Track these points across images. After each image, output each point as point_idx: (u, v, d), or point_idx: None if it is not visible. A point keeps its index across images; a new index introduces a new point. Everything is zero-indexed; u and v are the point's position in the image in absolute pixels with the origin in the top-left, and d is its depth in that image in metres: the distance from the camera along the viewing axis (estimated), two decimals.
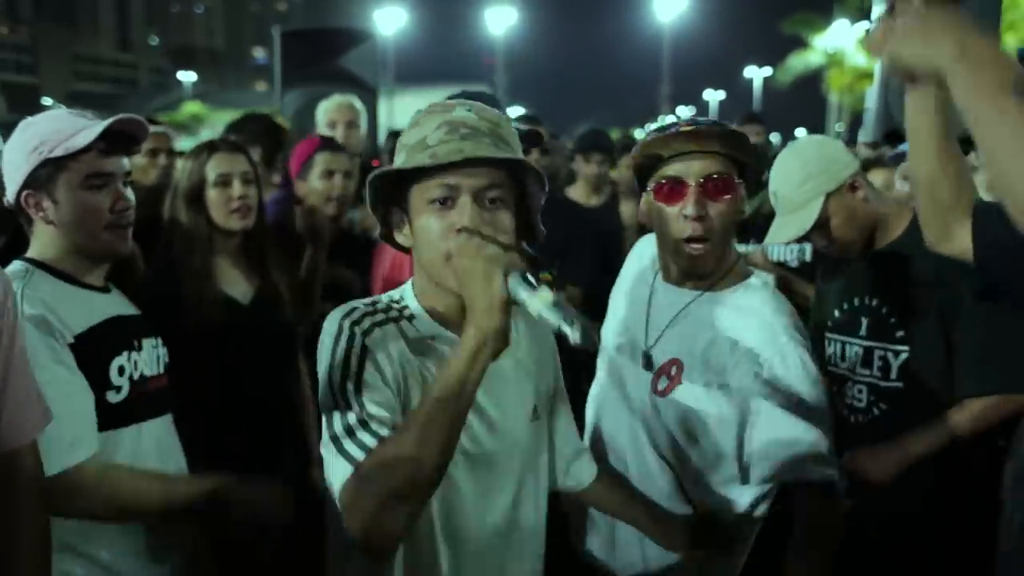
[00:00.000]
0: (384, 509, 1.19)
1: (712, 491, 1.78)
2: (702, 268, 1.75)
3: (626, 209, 4.26)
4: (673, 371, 1.79)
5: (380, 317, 1.39)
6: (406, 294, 1.46)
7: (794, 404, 1.67)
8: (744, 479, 1.75)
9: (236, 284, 2.39)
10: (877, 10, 5.30)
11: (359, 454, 1.23)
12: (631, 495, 1.82)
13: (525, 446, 1.50)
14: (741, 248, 3.26)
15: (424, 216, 1.35)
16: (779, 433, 1.67)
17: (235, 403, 2.21)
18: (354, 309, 1.38)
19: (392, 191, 1.41)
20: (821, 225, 2.22)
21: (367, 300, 1.44)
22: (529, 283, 1.22)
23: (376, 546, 1.22)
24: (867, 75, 18.71)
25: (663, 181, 1.72)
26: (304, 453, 2.44)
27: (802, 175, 2.23)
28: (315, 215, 2.86)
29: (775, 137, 14.49)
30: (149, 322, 1.92)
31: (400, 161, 1.37)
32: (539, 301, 1.20)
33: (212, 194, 2.36)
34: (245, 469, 1.80)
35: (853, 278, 2.28)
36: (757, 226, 3.19)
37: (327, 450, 1.27)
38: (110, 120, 1.72)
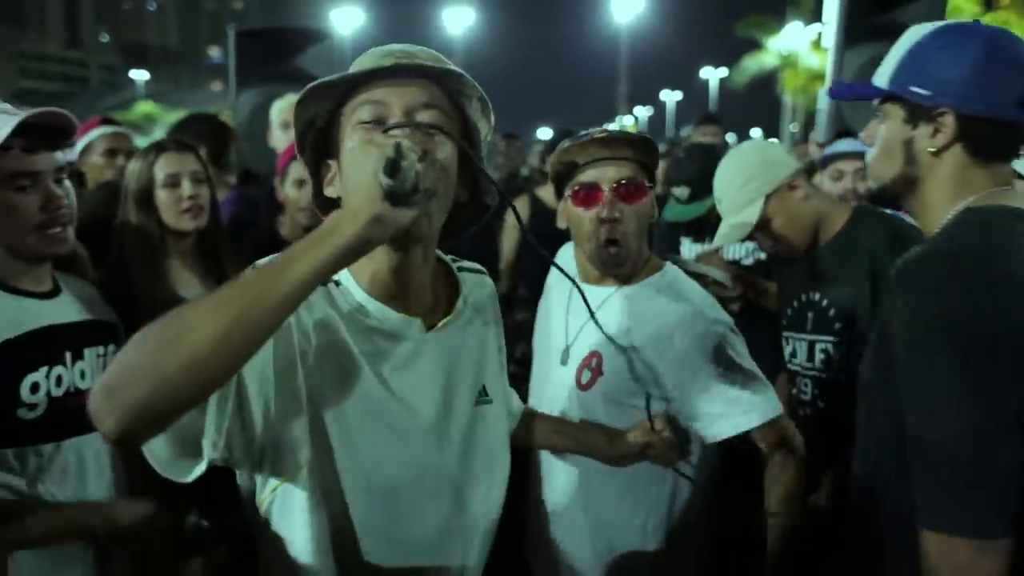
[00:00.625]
0: (135, 380, 0.93)
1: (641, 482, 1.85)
2: (618, 268, 1.87)
3: None
4: (594, 364, 1.86)
5: None
6: None
7: (728, 370, 1.80)
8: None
9: (191, 286, 2.36)
10: (829, 12, 5.41)
11: None
12: (560, 421, 1.86)
13: (466, 435, 1.33)
14: (696, 248, 3.30)
15: (350, 140, 1.19)
16: (724, 394, 1.79)
17: None
18: None
19: (325, 141, 1.26)
20: (764, 226, 2.31)
21: None
22: (388, 171, 1.02)
23: (124, 424, 0.94)
24: (819, 76, 19.07)
25: (579, 187, 1.84)
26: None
27: (743, 178, 2.33)
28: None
29: (731, 137, 14.68)
30: (100, 329, 1.87)
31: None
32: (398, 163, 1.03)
33: (162, 195, 2.32)
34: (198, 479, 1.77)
35: (799, 276, 2.35)
36: (711, 226, 3.24)
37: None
38: (23, 116, 1.62)
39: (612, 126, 1.92)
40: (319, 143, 1.27)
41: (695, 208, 3.20)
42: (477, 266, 1.48)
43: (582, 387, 1.88)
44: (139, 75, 48.52)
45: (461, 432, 1.31)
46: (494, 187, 1.33)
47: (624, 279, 1.90)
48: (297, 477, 1.19)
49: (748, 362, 1.83)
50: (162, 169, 2.34)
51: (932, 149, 1.44)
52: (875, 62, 1.53)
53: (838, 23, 5.13)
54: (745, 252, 3.24)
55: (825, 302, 2.26)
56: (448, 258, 1.42)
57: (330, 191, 1.27)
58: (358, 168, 1.04)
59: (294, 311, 1.03)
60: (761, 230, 2.33)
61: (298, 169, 2.90)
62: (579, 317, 1.91)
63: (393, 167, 1.01)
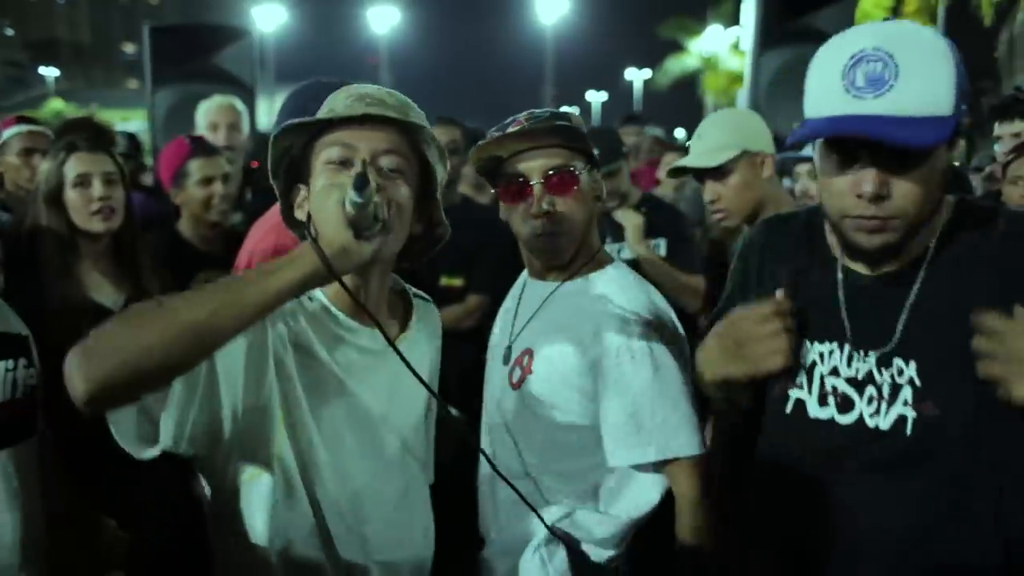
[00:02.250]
0: (110, 352, 1.06)
1: (571, 486, 1.74)
2: (558, 262, 1.77)
3: None
4: (525, 361, 1.78)
5: None
6: None
7: (642, 389, 1.65)
8: (601, 469, 1.72)
9: (105, 290, 2.28)
10: (746, 16, 5.56)
11: None
12: None
13: (419, 443, 1.52)
14: (614, 249, 3.35)
15: (318, 178, 1.31)
16: (628, 416, 1.66)
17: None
18: None
19: (295, 166, 1.37)
20: (721, 176, 2.39)
21: None
22: (357, 189, 1.15)
23: (93, 389, 1.05)
24: (739, 78, 19.61)
25: (508, 181, 1.73)
26: (184, 464, 2.35)
27: (732, 125, 2.42)
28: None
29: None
30: (5, 343, 1.78)
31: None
32: (355, 194, 1.15)
33: (71, 195, 2.24)
34: (121, 485, 1.72)
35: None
36: (619, 226, 3.29)
37: None
38: None
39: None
40: (291, 169, 1.38)
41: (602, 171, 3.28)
42: (425, 296, 1.61)
43: (513, 386, 1.80)
44: (49, 72, 46.61)
45: (414, 439, 1.49)
46: (446, 222, 1.47)
47: (568, 273, 1.79)
48: (261, 477, 1.32)
49: (673, 385, 1.67)
50: (73, 169, 2.27)
51: (957, 163, 1.39)
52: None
53: (755, 27, 5.28)
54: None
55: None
56: (403, 284, 1.56)
57: (299, 213, 1.38)
58: (325, 201, 1.19)
59: (262, 319, 1.17)
60: (717, 179, 2.39)
61: (200, 167, 2.81)
62: (524, 314, 1.85)
63: (361, 183, 1.14)
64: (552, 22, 36.15)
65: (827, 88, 1.27)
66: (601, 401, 1.69)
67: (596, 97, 53.97)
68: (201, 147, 2.90)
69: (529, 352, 1.78)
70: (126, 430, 1.19)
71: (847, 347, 1.39)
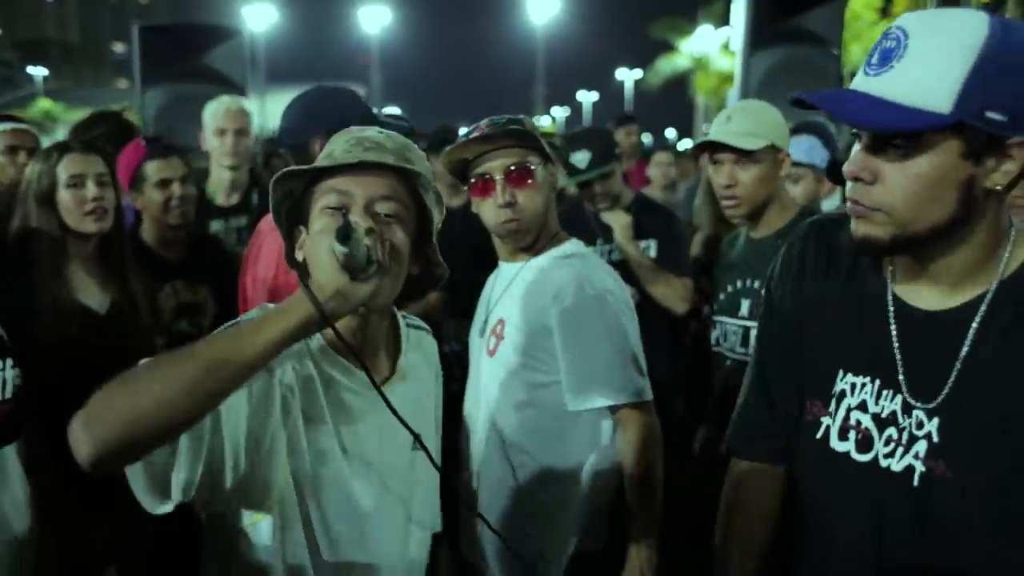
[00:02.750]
0: (109, 416, 1.06)
1: (539, 451, 2.02)
2: (523, 244, 2.05)
3: None
4: (499, 330, 2.06)
5: None
6: None
7: (586, 332, 1.95)
8: (568, 431, 2.01)
9: (91, 292, 2.27)
10: (736, 16, 5.57)
11: None
12: None
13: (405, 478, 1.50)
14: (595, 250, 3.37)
15: (316, 223, 1.32)
16: (584, 364, 1.95)
17: None
18: None
19: (297, 210, 1.39)
20: (743, 162, 2.39)
21: None
22: (341, 239, 1.15)
23: (96, 453, 1.07)
24: (730, 78, 19.64)
25: (475, 179, 2.00)
26: None
27: (763, 117, 2.45)
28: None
29: (646, 137, 14.97)
30: None
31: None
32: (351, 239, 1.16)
33: (64, 196, 2.23)
34: (102, 492, 1.71)
35: (737, 263, 2.44)
36: (609, 227, 3.31)
37: None
38: None
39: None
40: (293, 211, 1.40)
41: (594, 172, 3.29)
42: (422, 324, 1.64)
43: (489, 353, 2.07)
44: (37, 71, 46.35)
45: (403, 476, 1.48)
46: (443, 264, 1.51)
47: (532, 253, 2.06)
48: (261, 522, 1.34)
49: (620, 337, 1.98)
50: (66, 170, 2.26)
51: (999, 186, 1.16)
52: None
53: (745, 27, 5.29)
54: (603, 256, 3.30)
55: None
56: (399, 315, 1.57)
57: (299, 255, 1.40)
58: (318, 247, 1.20)
59: (259, 371, 1.16)
60: (740, 165, 2.39)
61: (158, 169, 2.77)
62: (497, 292, 2.13)
63: (344, 235, 1.15)
64: (543, 22, 36.18)
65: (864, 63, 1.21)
66: (559, 353, 1.97)
67: (587, 97, 54.05)
68: (157, 149, 2.85)
69: (502, 322, 2.06)
70: (138, 483, 1.19)
71: (878, 382, 1.29)
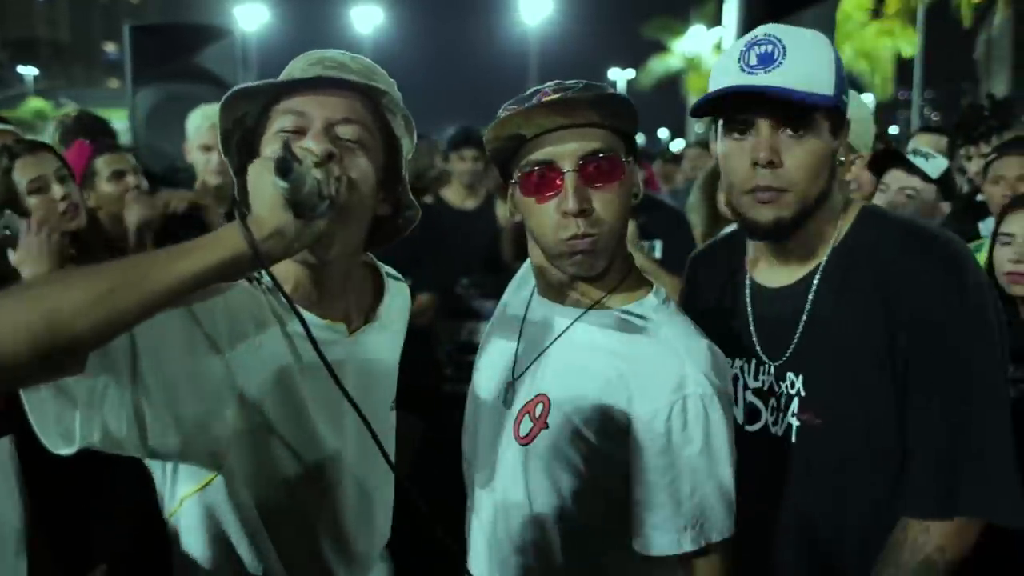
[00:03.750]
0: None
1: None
2: (590, 273, 1.38)
3: (501, 211, 4.24)
4: (538, 411, 1.40)
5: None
6: None
7: (686, 467, 1.32)
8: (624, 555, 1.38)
9: None
10: (728, 17, 5.58)
11: None
12: None
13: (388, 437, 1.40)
14: None
15: (265, 149, 1.18)
16: (663, 498, 1.33)
17: None
18: None
19: (251, 142, 1.24)
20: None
21: None
22: (281, 170, 1.00)
23: None
24: None
25: (530, 169, 1.34)
26: (144, 473, 2.33)
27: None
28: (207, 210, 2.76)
29: (639, 138, 14.98)
30: None
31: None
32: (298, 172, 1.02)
33: (32, 202, 2.16)
34: (93, 488, 1.71)
35: None
36: None
37: None
38: None
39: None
40: (244, 144, 1.24)
41: None
42: (397, 275, 1.51)
43: (521, 440, 1.41)
44: (28, 71, 46.13)
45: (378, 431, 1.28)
46: (415, 204, 1.34)
47: (595, 297, 1.41)
48: (213, 479, 1.20)
49: (721, 461, 1.33)
50: (23, 175, 2.17)
51: (843, 158, 1.46)
52: None
53: (737, 28, 5.31)
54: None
55: None
56: (375, 263, 1.45)
57: None
58: (260, 177, 1.03)
59: (168, 306, 1.00)
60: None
61: (109, 162, 2.73)
62: (533, 345, 1.46)
63: (285, 167, 0.99)
64: (536, 23, 36.18)
65: (725, 70, 1.41)
66: (636, 472, 1.34)
67: None
68: (104, 144, 2.83)
69: (543, 400, 1.40)
70: (45, 424, 1.04)
71: (754, 360, 1.53)
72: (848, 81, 1.46)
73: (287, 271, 1.22)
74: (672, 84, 31.24)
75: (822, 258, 1.47)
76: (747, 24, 5.31)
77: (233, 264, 1.00)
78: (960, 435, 1.34)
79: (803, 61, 1.36)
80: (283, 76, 1.23)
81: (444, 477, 2.04)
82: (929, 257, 1.38)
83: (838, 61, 1.41)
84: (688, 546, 1.32)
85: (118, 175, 2.71)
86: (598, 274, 1.39)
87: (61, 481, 1.93)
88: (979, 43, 19.04)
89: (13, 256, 2.14)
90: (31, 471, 1.89)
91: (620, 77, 44.46)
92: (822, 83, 1.36)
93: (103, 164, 2.72)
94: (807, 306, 1.46)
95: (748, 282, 1.56)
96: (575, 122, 1.31)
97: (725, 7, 5.85)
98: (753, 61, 1.37)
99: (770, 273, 1.54)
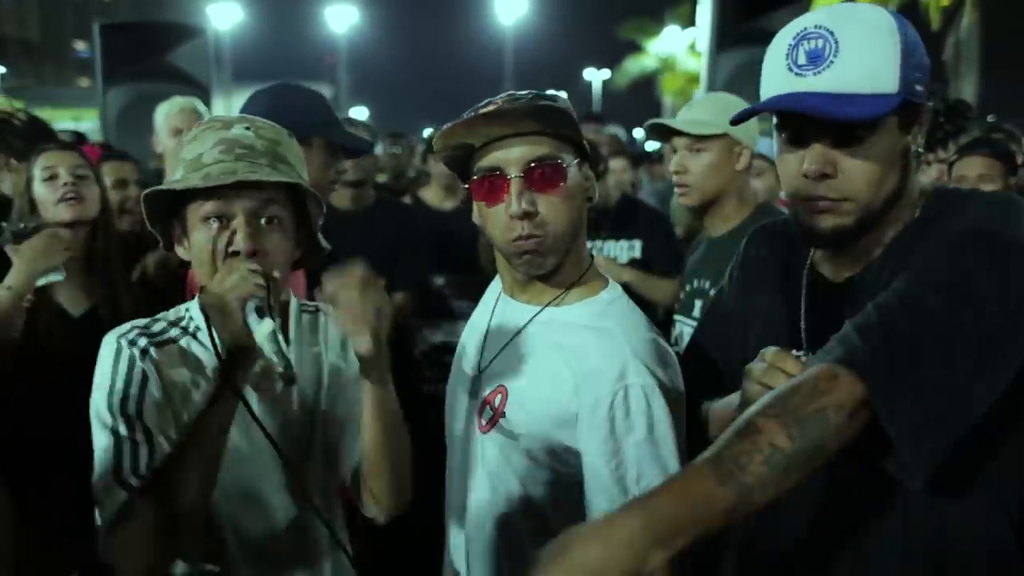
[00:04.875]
0: (150, 548, 1.23)
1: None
2: (539, 272, 1.46)
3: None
4: (497, 402, 1.48)
5: (161, 337, 1.40)
6: (192, 308, 1.46)
7: (631, 453, 1.37)
8: None
9: (69, 294, 2.23)
10: (702, 17, 5.62)
11: (135, 482, 1.26)
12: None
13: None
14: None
15: (198, 234, 1.35)
16: (610, 482, 1.37)
17: (45, 431, 2.04)
18: (132, 328, 1.39)
19: (170, 203, 1.40)
20: (697, 148, 2.36)
21: (145, 320, 1.44)
22: (259, 313, 1.26)
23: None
24: (697, 79, 19.88)
25: (480, 175, 1.43)
26: None
27: (724, 108, 2.29)
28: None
29: (621, 135, 15.00)
30: None
31: (178, 176, 1.37)
32: (260, 332, 1.25)
33: (39, 190, 2.25)
34: (65, 496, 1.69)
35: (695, 263, 2.45)
36: (592, 223, 3.31)
37: (102, 465, 1.29)
38: None
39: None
40: (165, 208, 1.41)
41: None
42: (312, 307, 1.62)
43: (482, 429, 1.50)
44: None
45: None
46: (325, 245, 1.54)
47: (551, 295, 1.49)
48: None
49: (665, 447, 1.37)
50: (40, 166, 2.28)
51: (920, 148, 1.28)
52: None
53: (711, 28, 5.35)
54: (620, 251, 3.33)
55: (713, 291, 2.33)
56: (293, 300, 1.60)
57: (181, 252, 1.42)
58: (223, 317, 1.28)
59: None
60: (690, 152, 2.37)
61: (114, 170, 2.79)
62: (497, 339, 1.54)
63: (260, 314, 1.27)
64: (511, 22, 36.19)
65: (774, 69, 1.25)
66: (584, 458, 1.40)
67: None
68: (112, 152, 2.88)
69: (502, 391, 1.49)
70: None
71: (802, 354, 1.32)
72: None
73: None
74: (647, 84, 31.39)
75: (876, 252, 1.30)
76: (720, 25, 5.34)
77: (232, 399, 1.30)
78: (911, 318, 1.14)
79: (859, 56, 1.18)
80: (192, 161, 1.36)
81: (423, 477, 2.04)
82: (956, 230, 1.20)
83: (908, 44, 1.19)
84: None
85: (121, 183, 2.75)
86: (551, 273, 1.47)
87: (37, 489, 1.91)
88: (948, 45, 19.33)
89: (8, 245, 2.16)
90: (7, 480, 1.87)
91: (596, 77, 44.60)
92: (883, 79, 1.18)
93: (108, 171, 2.76)
94: (847, 307, 1.26)
95: (806, 271, 1.38)
96: (519, 131, 1.39)
97: (699, 8, 5.90)
98: (802, 60, 1.21)
99: (833, 264, 1.35)
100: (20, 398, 2.10)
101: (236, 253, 1.32)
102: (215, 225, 1.34)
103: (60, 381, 2.07)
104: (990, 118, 4.41)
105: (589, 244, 3.35)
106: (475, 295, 1.73)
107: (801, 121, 1.22)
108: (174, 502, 1.23)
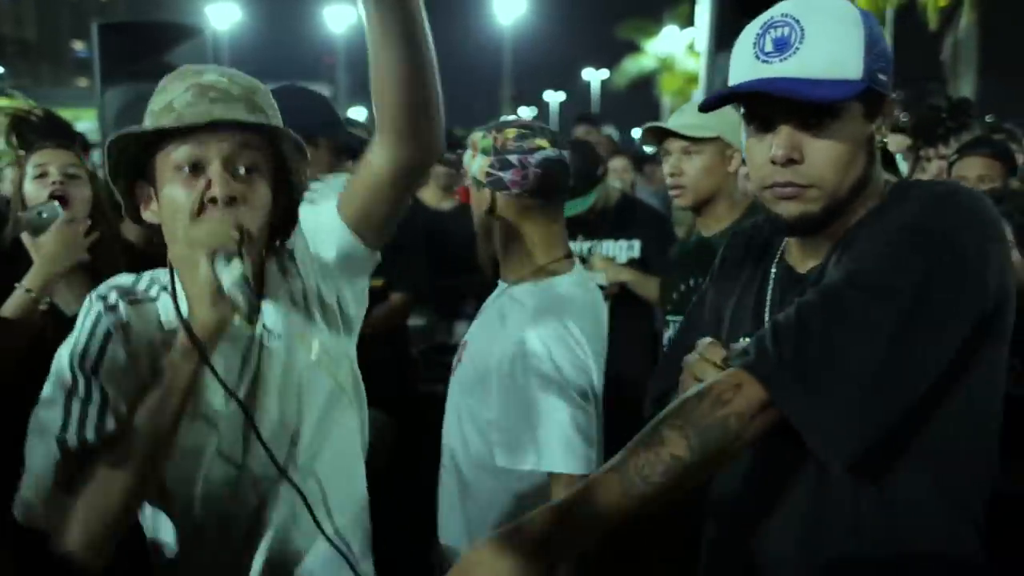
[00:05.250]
0: (90, 521, 1.18)
1: (483, 478, 1.81)
2: (509, 259, 1.87)
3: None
4: (462, 353, 1.91)
5: (140, 295, 1.32)
6: (164, 273, 1.36)
7: (522, 408, 1.72)
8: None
9: (66, 295, 2.22)
10: (700, 17, 5.62)
11: (74, 444, 1.19)
12: None
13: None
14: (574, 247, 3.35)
15: (169, 185, 1.25)
16: (509, 424, 1.74)
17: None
18: (111, 285, 1.31)
19: (136, 162, 1.29)
20: (691, 151, 2.40)
21: (130, 277, 1.36)
22: (228, 259, 1.19)
23: (89, 555, 1.20)
24: (695, 79, 19.88)
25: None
26: None
27: (722, 112, 2.25)
28: None
29: (614, 135, 15.02)
30: None
31: (145, 126, 1.28)
32: (228, 276, 1.17)
33: (29, 188, 2.24)
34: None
35: (689, 260, 2.47)
36: (588, 223, 3.30)
37: (45, 415, 1.21)
38: None
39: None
40: (131, 166, 1.30)
41: (576, 204, 3.23)
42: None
43: (451, 374, 1.94)
44: None
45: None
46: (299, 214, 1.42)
47: (511, 277, 1.90)
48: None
49: (557, 404, 1.70)
50: (33, 163, 2.28)
51: (886, 139, 1.31)
52: None
53: (709, 28, 5.34)
54: (620, 251, 3.32)
55: None
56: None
57: (148, 215, 1.32)
58: (193, 277, 1.21)
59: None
60: (686, 152, 2.42)
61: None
62: (482, 308, 1.98)
63: (251, 311, 1.20)
64: (510, 22, 36.20)
65: (741, 59, 1.28)
66: (494, 402, 1.77)
67: (554, 97, 54.11)
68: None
69: (466, 343, 1.91)
70: None
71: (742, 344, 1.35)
72: None
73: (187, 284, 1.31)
74: (646, 84, 31.39)
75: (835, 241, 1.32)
76: (718, 25, 5.33)
77: (194, 359, 1.23)
78: (825, 315, 1.16)
79: (825, 43, 1.22)
80: (163, 103, 1.27)
81: (420, 477, 2.04)
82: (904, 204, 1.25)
83: (871, 35, 1.23)
84: (524, 466, 1.70)
85: None
86: (518, 257, 1.85)
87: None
88: (946, 45, 19.35)
89: (28, 239, 2.12)
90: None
91: (594, 77, 44.64)
92: (848, 67, 1.21)
93: None
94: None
95: (775, 267, 1.43)
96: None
97: (697, 8, 5.90)
98: (768, 47, 1.24)
99: (800, 257, 1.39)
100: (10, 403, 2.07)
101: (212, 201, 1.23)
102: (187, 172, 1.24)
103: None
104: (988, 118, 4.41)
105: (588, 244, 3.32)
106: (473, 295, 1.83)
107: (768, 108, 1.25)
108: (119, 473, 1.18)
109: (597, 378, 1.82)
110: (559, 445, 1.69)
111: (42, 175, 2.27)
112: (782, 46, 1.23)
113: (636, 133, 15.58)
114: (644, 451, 1.11)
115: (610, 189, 3.53)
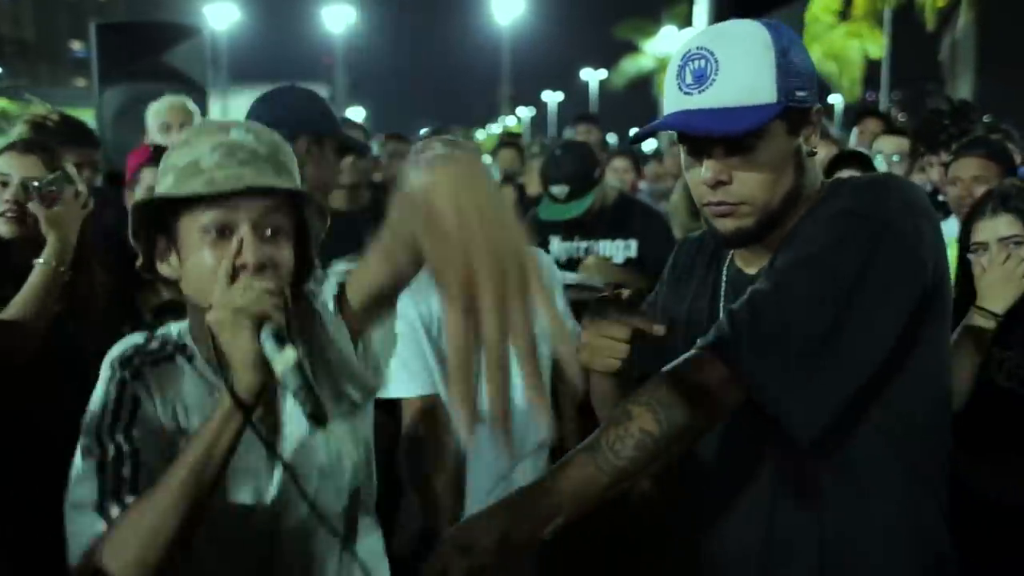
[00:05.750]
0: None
1: None
2: None
3: None
4: None
5: (159, 355, 1.31)
6: (183, 331, 1.35)
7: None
8: None
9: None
10: (698, 18, 5.62)
11: (117, 512, 1.17)
12: None
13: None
14: (566, 247, 3.35)
15: (198, 249, 1.23)
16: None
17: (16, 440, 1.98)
18: (126, 349, 1.30)
19: (156, 217, 1.28)
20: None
21: (140, 338, 1.33)
22: (278, 339, 1.11)
23: None
24: None
25: None
26: None
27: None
28: None
29: (612, 138, 15.01)
30: None
31: (168, 184, 1.26)
32: (280, 362, 1.10)
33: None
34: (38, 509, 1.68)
35: None
36: (585, 225, 3.30)
37: (80, 490, 1.19)
38: None
39: (495, 127, 1.88)
40: (151, 220, 1.29)
41: (574, 207, 3.21)
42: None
43: None
44: None
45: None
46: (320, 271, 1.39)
47: None
48: None
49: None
50: None
51: (814, 149, 1.36)
52: None
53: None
54: (616, 250, 3.32)
55: None
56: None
57: (164, 269, 1.30)
58: (235, 339, 1.14)
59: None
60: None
61: (152, 175, 2.61)
62: None
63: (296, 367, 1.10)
64: (508, 22, 36.23)
65: (669, 89, 1.35)
66: None
67: (552, 97, 54.14)
68: (159, 157, 2.79)
69: None
70: None
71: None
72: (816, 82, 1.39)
73: (210, 338, 1.25)
74: (644, 84, 31.40)
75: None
76: None
77: (236, 425, 1.16)
78: (776, 297, 1.23)
79: (738, 73, 1.27)
80: (190, 166, 1.24)
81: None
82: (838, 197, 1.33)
83: (781, 56, 1.28)
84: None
85: (153, 190, 2.67)
86: None
87: (15, 498, 1.90)
88: (944, 46, 19.37)
89: (39, 210, 2.08)
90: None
91: (592, 77, 44.67)
92: (761, 91, 1.27)
93: (147, 175, 2.63)
94: None
95: (727, 267, 1.48)
96: None
97: (695, 9, 5.90)
98: (689, 79, 1.30)
99: (748, 260, 1.44)
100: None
101: (243, 267, 1.20)
102: (214, 235, 1.22)
103: (33, 393, 1.99)
104: (986, 118, 4.40)
105: (585, 244, 3.33)
106: None
107: (694, 136, 1.32)
108: (159, 531, 1.13)
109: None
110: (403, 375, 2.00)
111: (3, 184, 2.11)
112: (700, 78, 1.29)
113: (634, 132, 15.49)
114: (615, 428, 1.18)
115: (607, 189, 3.52)
